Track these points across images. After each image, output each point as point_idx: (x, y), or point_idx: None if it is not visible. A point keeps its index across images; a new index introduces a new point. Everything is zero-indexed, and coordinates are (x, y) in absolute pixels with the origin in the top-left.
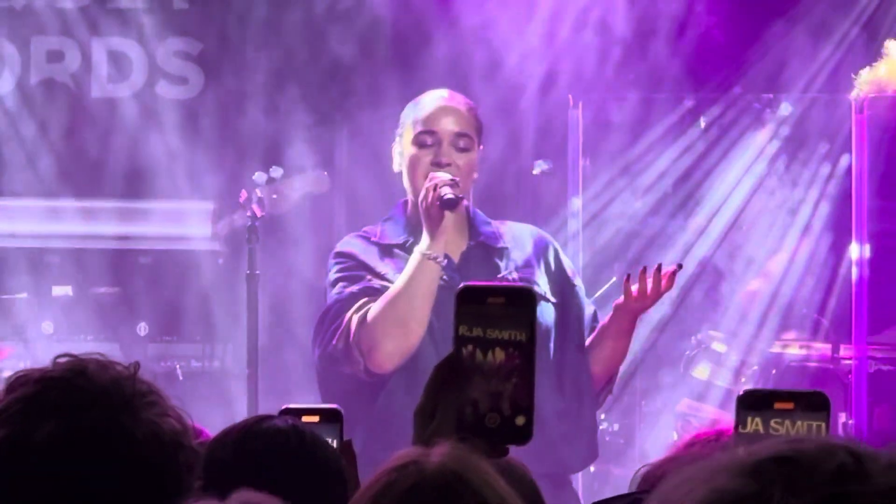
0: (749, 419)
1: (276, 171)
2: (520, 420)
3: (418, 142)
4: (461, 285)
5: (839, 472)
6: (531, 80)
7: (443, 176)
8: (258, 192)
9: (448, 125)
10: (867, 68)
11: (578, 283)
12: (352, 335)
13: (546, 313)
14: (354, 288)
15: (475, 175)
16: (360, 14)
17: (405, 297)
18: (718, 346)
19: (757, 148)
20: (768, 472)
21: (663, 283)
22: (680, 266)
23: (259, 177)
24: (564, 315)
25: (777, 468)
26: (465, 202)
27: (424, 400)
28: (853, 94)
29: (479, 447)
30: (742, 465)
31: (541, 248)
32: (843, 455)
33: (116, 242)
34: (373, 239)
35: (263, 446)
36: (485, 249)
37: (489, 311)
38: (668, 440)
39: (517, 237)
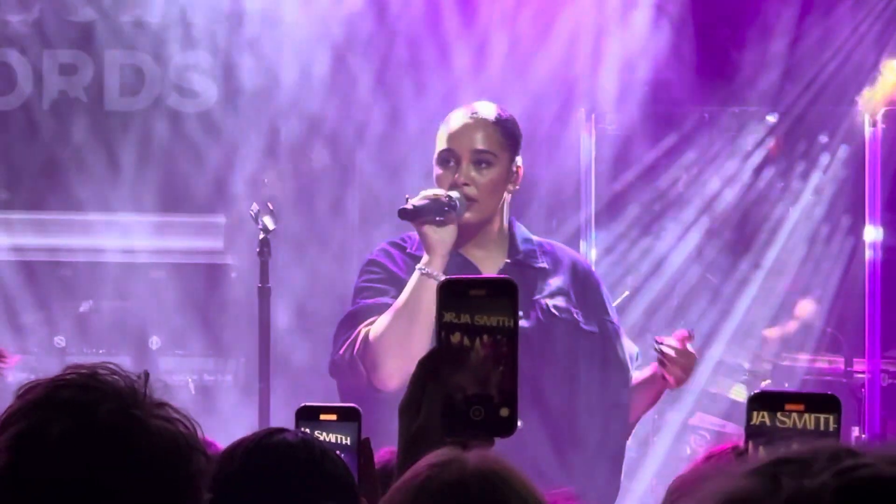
0: (755, 413)
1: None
2: (504, 412)
3: (440, 160)
4: (443, 279)
5: (837, 454)
6: (544, 95)
7: (428, 191)
8: (270, 205)
9: (468, 143)
10: (869, 88)
11: (617, 322)
12: (356, 350)
13: (582, 341)
14: (374, 301)
15: (511, 187)
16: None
17: (404, 315)
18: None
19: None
20: (771, 469)
21: (683, 358)
22: (691, 334)
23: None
24: (605, 348)
25: (777, 466)
26: (496, 217)
27: (409, 395)
28: (864, 107)
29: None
30: (746, 469)
31: (580, 277)
32: (835, 446)
33: (128, 256)
34: (408, 249)
35: (272, 460)
36: (521, 268)
37: (472, 302)
38: (681, 453)
39: (558, 261)
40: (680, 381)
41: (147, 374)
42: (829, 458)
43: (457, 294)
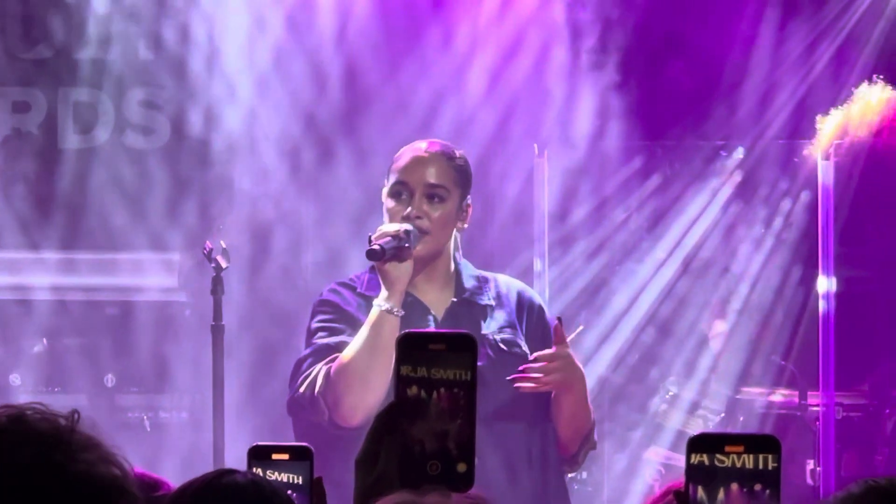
0: (693, 455)
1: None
2: (461, 467)
3: (393, 193)
4: (402, 333)
5: None
6: (495, 130)
7: (388, 228)
8: (223, 244)
9: (421, 177)
10: (832, 113)
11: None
12: (317, 387)
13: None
14: (332, 340)
15: (461, 225)
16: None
17: (364, 350)
18: (688, 395)
19: (714, 194)
20: None
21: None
22: (559, 318)
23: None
24: None
25: None
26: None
27: (366, 448)
28: (817, 140)
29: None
30: None
31: (525, 308)
32: None
33: (83, 294)
34: (358, 289)
35: (221, 502)
36: (469, 307)
37: (430, 356)
38: (636, 488)
39: (503, 294)
40: (564, 385)
41: (76, 414)
42: None
43: (415, 348)
